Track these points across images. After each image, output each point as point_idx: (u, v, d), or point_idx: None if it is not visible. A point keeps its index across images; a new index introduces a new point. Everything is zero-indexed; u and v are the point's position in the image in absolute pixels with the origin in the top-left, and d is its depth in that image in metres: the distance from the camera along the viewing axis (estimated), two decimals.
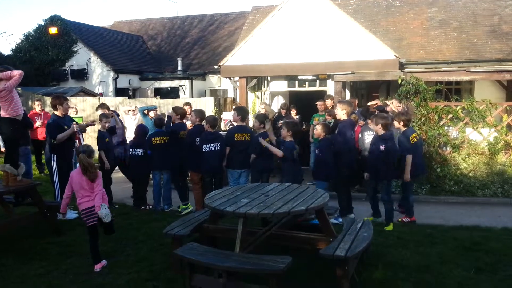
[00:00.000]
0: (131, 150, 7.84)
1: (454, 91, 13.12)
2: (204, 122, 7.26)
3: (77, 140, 7.82)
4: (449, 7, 16.11)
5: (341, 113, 6.93)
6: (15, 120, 5.81)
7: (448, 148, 8.50)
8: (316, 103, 10.19)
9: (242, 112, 7.30)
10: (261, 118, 7.12)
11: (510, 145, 8.43)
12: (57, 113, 6.82)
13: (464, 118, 8.55)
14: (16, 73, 5.56)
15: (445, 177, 8.10)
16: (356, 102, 10.23)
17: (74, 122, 7.02)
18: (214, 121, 7.27)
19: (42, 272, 4.90)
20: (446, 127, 8.64)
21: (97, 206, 4.85)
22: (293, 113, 10.61)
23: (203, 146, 7.06)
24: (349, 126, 6.92)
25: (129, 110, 11.28)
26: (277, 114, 10.87)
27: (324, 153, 6.71)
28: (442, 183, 8.05)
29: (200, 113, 7.55)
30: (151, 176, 8.07)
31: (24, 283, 4.68)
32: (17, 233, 6.21)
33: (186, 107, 9.88)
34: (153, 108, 10.07)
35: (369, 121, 7.96)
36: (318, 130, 6.81)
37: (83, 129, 7.56)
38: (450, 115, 8.58)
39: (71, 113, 8.79)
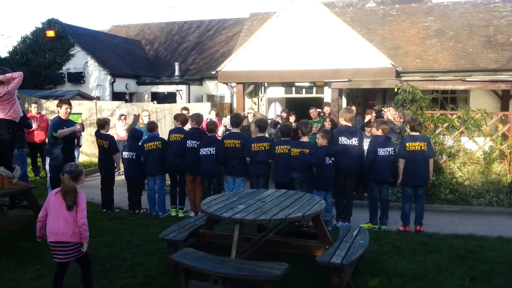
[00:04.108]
0: (123, 153, 7.86)
1: (449, 100, 13.19)
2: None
3: (76, 139, 8.01)
4: (445, 16, 16.24)
5: (340, 120, 7.05)
6: (13, 122, 5.82)
7: (443, 157, 8.52)
8: (310, 110, 10.28)
9: (233, 119, 7.39)
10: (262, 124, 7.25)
11: (505, 154, 8.48)
12: (60, 115, 7.15)
13: (460, 127, 8.59)
14: (17, 75, 5.58)
15: (440, 186, 8.12)
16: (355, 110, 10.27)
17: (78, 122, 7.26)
18: (211, 125, 7.38)
19: (37, 276, 4.87)
20: (441, 136, 8.68)
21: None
22: (292, 119, 10.64)
23: (201, 149, 7.14)
24: (344, 132, 6.82)
25: (121, 115, 11.31)
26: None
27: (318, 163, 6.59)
28: (438, 191, 8.06)
29: (196, 117, 7.60)
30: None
31: (18, 286, 4.64)
32: (12, 236, 6.15)
33: (184, 112, 9.93)
34: None
35: (367, 129, 8.06)
36: (319, 139, 6.66)
37: (81, 127, 7.54)
38: (446, 124, 8.61)
39: None
